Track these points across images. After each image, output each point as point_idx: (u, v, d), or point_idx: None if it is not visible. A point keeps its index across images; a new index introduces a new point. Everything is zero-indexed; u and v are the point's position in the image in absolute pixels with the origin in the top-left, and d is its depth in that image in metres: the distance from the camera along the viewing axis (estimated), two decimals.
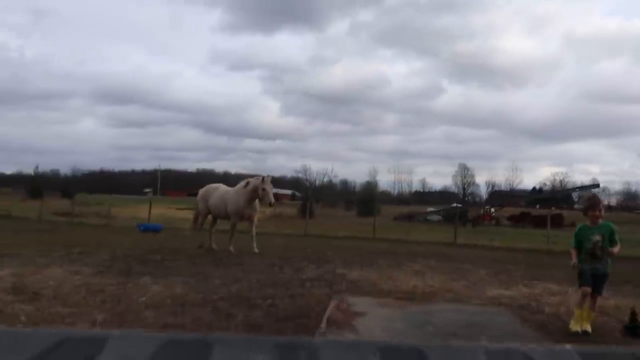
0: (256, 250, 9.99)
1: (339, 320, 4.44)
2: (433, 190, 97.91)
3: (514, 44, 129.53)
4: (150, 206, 24.79)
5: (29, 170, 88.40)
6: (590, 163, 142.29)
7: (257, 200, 10.24)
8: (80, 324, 4.08)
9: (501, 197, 79.26)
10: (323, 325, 4.33)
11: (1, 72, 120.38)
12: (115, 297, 5.19)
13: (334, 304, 5.08)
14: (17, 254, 8.70)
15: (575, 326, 4.60)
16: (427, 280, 7.04)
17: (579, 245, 4.84)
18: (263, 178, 10.08)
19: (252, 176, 10.74)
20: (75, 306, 4.74)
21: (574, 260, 4.81)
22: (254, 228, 10.43)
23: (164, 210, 36.46)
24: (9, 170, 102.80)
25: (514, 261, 11.50)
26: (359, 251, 11.92)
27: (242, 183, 10.69)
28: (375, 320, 4.63)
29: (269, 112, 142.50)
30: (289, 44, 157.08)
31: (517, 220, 28.03)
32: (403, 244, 15.94)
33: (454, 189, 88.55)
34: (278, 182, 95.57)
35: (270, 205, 10.40)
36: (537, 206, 73.14)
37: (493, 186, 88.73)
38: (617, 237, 4.81)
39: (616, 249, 4.76)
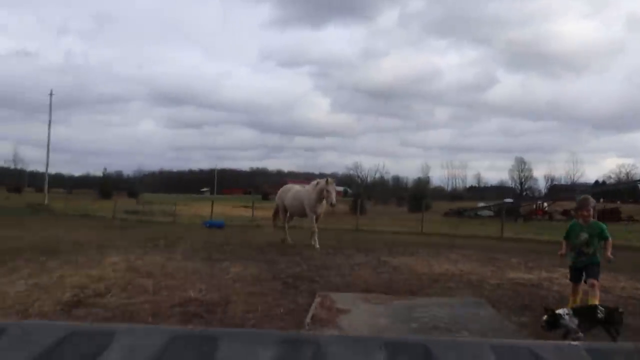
0: (317, 246, 11.06)
1: (323, 317, 4.51)
2: (489, 185, 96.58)
3: (572, 28, 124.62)
4: (213, 205, 26.96)
5: (95, 172, 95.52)
6: None
7: (323, 200, 11.35)
8: (191, 292, 5.72)
9: (561, 191, 77.12)
10: (307, 321, 4.48)
11: (67, 78, 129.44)
12: (207, 275, 6.85)
13: (318, 301, 5.10)
14: (115, 246, 10.67)
15: None
16: (458, 266, 8.30)
17: (568, 238, 5.38)
18: (327, 180, 11.26)
19: (305, 174, 12.26)
20: (181, 280, 6.43)
21: (562, 250, 5.38)
22: (316, 225, 11.58)
23: (221, 209, 38.96)
24: (77, 172, 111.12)
25: (552, 252, 12.40)
26: (404, 243, 13.23)
27: (313, 183, 11.94)
28: (360, 316, 4.68)
29: (320, 109, 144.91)
30: (338, 38, 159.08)
31: (570, 215, 28.02)
32: (449, 238, 17.02)
33: (510, 183, 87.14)
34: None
35: (331, 205, 11.38)
36: (601, 200, 70.78)
37: (552, 180, 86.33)
38: (607, 234, 5.22)
39: (609, 245, 5.18)
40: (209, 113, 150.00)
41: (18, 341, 0.67)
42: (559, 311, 4.20)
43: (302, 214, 12.11)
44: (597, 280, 5.11)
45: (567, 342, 0.75)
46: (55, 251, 9.11)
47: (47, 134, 41.64)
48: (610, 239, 5.23)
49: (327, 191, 11.09)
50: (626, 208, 37.58)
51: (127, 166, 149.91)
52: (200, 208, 35.37)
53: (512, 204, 35.17)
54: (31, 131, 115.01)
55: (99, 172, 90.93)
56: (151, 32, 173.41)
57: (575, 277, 5.27)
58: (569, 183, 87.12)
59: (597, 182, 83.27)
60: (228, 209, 38.37)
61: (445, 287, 6.66)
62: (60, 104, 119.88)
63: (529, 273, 7.95)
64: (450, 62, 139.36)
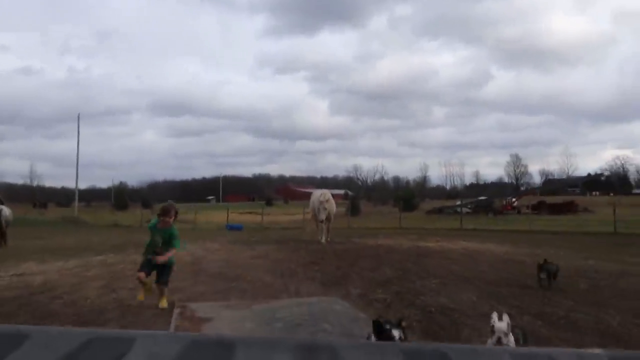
0: (322, 240, 14.44)
1: (186, 327, 4.58)
2: (488, 182, 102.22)
3: (561, 23, 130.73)
4: (228, 211, 32.95)
5: (100, 184, 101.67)
6: None
7: (327, 207, 14.24)
8: (249, 252, 11.61)
9: (554, 184, 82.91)
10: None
11: (70, 93, 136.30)
12: (263, 256, 12.72)
13: (178, 312, 5.25)
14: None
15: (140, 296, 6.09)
16: (390, 240, 14.29)
17: (149, 243, 6.13)
18: (322, 195, 14.53)
19: (308, 179, 17.81)
20: (238, 252, 12.32)
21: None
22: (323, 226, 14.84)
23: (230, 216, 44.46)
24: (82, 185, 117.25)
25: (473, 235, 18.36)
26: (375, 234, 19.17)
27: (317, 193, 15.43)
28: (224, 322, 4.82)
29: (318, 113, 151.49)
30: (331, 43, 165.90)
31: (535, 209, 33.78)
32: (417, 229, 22.93)
33: (507, 179, 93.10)
34: (331, 182, 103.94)
35: (320, 221, 14.27)
36: (596, 193, 76.57)
37: (546, 175, 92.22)
38: (175, 243, 6.07)
39: (171, 252, 6.03)
40: (208, 121, 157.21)
41: (41, 347, 0.69)
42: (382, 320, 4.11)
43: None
44: (166, 284, 6.08)
45: (589, 350, 0.73)
46: (123, 247, 14.65)
47: (52, 148, 47.05)
48: (175, 249, 6.07)
49: (320, 208, 14.22)
50: (583, 199, 43.28)
51: (130, 177, 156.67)
52: (211, 215, 40.61)
53: (486, 200, 41.28)
54: (33, 145, 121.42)
55: (103, 184, 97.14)
56: (149, 45, 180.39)
57: (146, 269, 5.98)
58: (566, 176, 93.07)
59: (589, 174, 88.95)
60: (235, 215, 41.46)
61: (371, 247, 12.58)
62: (63, 118, 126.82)
63: (449, 243, 13.92)
64: (444, 62, 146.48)
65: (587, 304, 6.10)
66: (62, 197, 79.93)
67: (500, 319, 3.48)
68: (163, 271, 6.04)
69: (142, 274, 5.90)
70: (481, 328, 4.55)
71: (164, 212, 6.05)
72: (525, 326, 4.48)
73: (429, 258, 10.78)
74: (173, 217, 6.07)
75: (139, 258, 7.11)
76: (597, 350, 0.74)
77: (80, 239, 18.71)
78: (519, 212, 35.35)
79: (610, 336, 4.73)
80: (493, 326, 3.52)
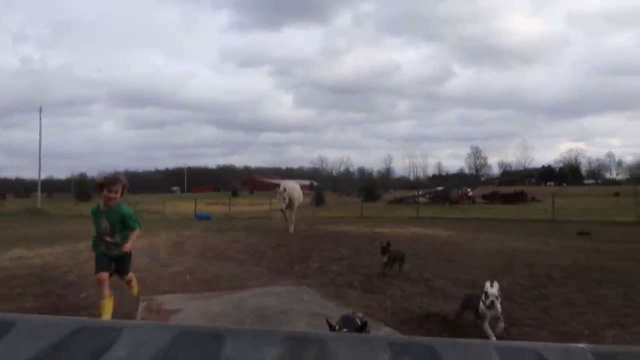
0: (291, 230, 15.38)
1: (154, 319, 4.51)
2: (450, 173, 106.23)
3: (519, 23, 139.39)
4: (196, 202, 34.08)
5: (58, 175, 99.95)
6: (613, 136, 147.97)
7: (289, 197, 15.12)
8: (240, 243, 13.09)
9: (511, 176, 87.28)
10: None
11: (26, 83, 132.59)
12: (236, 241, 14.18)
13: (144, 305, 5.17)
14: (150, 232, 17.77)
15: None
16: (349, 227, 16.04)
17: (97, 234, 4.89)
18: (281, 186, 15.64)
19: (273, 170, 19.06)
20: (214, 239, 13.77)
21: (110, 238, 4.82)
22: (286, 215, 15.92)
23: (197, 206, 45.34)
24: (36, 175, 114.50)
25: (439, 222, 20.35)
26: (336, 222, 20.91)
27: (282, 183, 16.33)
28: (192, 311, 4.86)
29: (283, 105, 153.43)
30: (296, 39, 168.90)
31: (488, 199, 36.34)
32: (377, 218, 24.82)
33: (467, 171, 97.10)
34: (296, 173, 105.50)
35: (281, 210, 15.78)
36: (551, 184, 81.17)
37: (504, 167, 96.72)
38: (132, 222, 4.85)
39: (134, 235, 4.84)
40: (172, 112, 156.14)
41: (27, 335, 0.68)
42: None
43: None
44: (127, 274, 5.03)
45: (574, 345, 0.75)
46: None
47: (3, 139, 46.51)
48: (138, 229, 4.89)
49: (279, 197, 15.30)
50: (532, 190, 46.58)
51: (91, 168, 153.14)
52: (177, 206, 41.03)
53: (443, 191, 43.88)
54: None
55: (61, 175, 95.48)
56: (112, 36, 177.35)
57: (102, 267, 4.77)
58: (522, 168, 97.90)
59: (543, 166, 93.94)
60: (202, 205, 41.48)
61: (332, 233, 14.29)
62: (19, 108, 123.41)
63: (401, 229, 15.74)
64: (407, 58, 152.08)
65: (495, 274, 7.91)
66: (19, 188, 78.55)
67: (491, 286, 4.17)
68: (123, 263, 4.96)
69: (103, 276, 4.72)
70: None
71: (109, 183, 4.71)
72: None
73: (380, 241, 12.51)
74: (120, 193, 4.75)
75: None
76: (581, 345, 0.74)
77: (52, 229, 19.44)
78: (473, 202, 37.90)
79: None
80: (486, 292, 4.16)
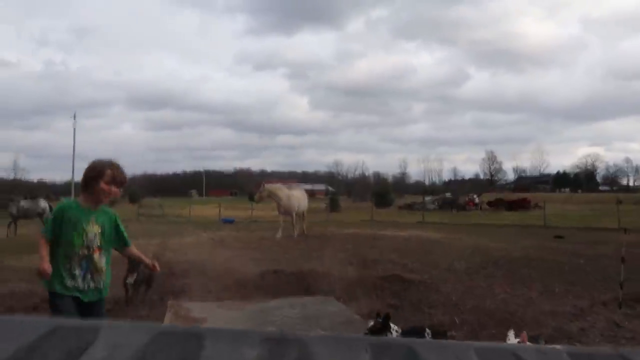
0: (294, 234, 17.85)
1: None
2: (466, 178, 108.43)
3: (533, 28, 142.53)
4: (220, 206, 37.74)
5: (76, 177, 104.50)
6: (632, 141, 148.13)
7: (292, 200, 18.59)
8: (267, 240, 16.70)
9: (526, 181, 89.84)
10: None
11: (48, 85, 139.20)
12: (258, 237, 17.77)
13: (173, 311, 5.37)
14: (182, 233, 21.42)
15: None
16: (364, 230, 19.54)
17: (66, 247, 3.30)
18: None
19: (288, 173, 22.49)
20: (244, 232, 17.39)
21: None
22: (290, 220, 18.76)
23: (215, 210, 47.84)
24: (57, 178, 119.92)
25: (441, 227, 23.75)
26: (350, 225, 24.40)
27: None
28: (217, 324, 4.88)
29: (298, 108, 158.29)
30: (310, 43, 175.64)
31: (492, 205, 39.27)
32: (386, 223, 28.24)
33: (482, 176, 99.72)
34: (312, 177, 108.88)
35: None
36: (565, 190, 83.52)
37: (519, 172, 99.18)
38: (125, 236, 3.68)
39: (139, 252, 3.95)
40: (188, 115, 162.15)
41: (2, 336, 0.66)
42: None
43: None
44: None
45: (550, 346, 0.77)
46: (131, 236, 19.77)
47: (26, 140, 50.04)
48: (128, 247, 3.73)
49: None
50: (537, 196, 49.33)
51: None
52: (199, 210, 44.37)
53: (450, 197, 47.06)
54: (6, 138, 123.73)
55: (78, 178, 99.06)
56: (129, 42, 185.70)
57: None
58: (539, 174, 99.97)
59: (558, 172, 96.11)
60: (223, 209, 43.05)
61: (342, 234, 17.81)
62: (39, 110, 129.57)
63: (402, 232, 19.19)
64: (421, 62, 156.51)
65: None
66: (42, 191, 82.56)
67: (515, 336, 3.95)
68: (98, 316, 3.37)
69: None
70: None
71: (121, 176, 3.58)
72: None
73: (381, 240, 16.00)
74: (116, 187, 3.51)
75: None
76: (557, 347, 0.75)
77: None
78: (480, 209, 40.96)
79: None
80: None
